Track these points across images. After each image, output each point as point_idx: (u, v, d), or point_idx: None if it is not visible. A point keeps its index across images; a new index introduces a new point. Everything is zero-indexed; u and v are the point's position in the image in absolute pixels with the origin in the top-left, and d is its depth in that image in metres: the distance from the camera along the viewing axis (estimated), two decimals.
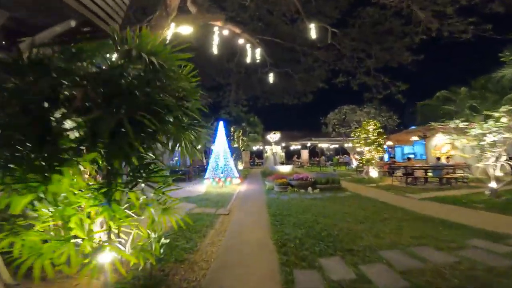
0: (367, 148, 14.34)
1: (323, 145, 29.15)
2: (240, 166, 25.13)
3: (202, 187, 12.48)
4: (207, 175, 12.52)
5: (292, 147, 34.93)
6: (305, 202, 8.32)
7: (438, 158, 11.65)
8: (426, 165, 13.02)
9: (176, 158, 25.30)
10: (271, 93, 24.68)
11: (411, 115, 20.81)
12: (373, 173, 14.51)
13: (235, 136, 24.74)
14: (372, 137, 14.13)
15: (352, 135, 23.69)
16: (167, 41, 4.84)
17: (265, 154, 29.82)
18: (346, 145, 31.14)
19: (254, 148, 31.70)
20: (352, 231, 5.11)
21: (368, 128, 14.27)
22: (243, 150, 26.38)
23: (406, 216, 6.32)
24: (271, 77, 21.03)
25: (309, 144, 33.80)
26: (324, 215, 6.54)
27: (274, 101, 25.15)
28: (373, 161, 14.35)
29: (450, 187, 11.05)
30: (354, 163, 23.48)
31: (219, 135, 12.88)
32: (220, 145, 12.62)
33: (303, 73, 20.95)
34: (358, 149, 16.98)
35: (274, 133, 31.70)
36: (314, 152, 34.09)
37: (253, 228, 5.71)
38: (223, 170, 12.25)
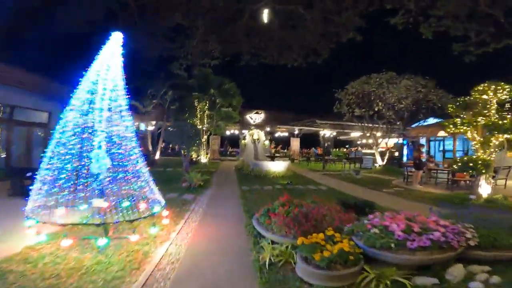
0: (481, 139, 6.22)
1: (324, 132, 21.10)
2: (204, 158, 16.17)
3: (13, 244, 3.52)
4: (31, 202, 3.43)
5: (278, 134, 26.57)
6: None
7: None
8: None
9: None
10: (262, 47, 15.66)
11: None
12: (485, 187, 6.55)
13: (198, 110, 15.59)
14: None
15: (375, 118, 15.88)
16: None
17: (242, 141, 21.04)
18: (353, 134, 23.51)
19: (228, 132, 22.78)
20: None
21: (494, 96, 6.10)
22: (210, 133, 17.39)
23: None
24: (266, 16, 12.28)
25: (296, 131, 25.66)
26: None
27: (265, 60, 16.20)
28: (487, 166, 6.30)
29: None
30: (379, 161, 15.69)
31: (98, 68, 3.76)
32: (101, 100, 3.51)
33: (321, 14, 12.33)
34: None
35: (257, 113, 23.02)
36: (306, 142, 26.05)
37: None
38: (104, 189, 3.27)
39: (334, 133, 26.30)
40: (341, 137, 29.37)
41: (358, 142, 32.50)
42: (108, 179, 3.38)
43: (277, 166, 12.19)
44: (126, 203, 3.40)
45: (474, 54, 9.11)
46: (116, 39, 4.07)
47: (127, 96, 3.81)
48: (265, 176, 11.38)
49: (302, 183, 10.12)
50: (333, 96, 16.07)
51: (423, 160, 10.00)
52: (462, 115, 6.93)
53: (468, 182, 9.71)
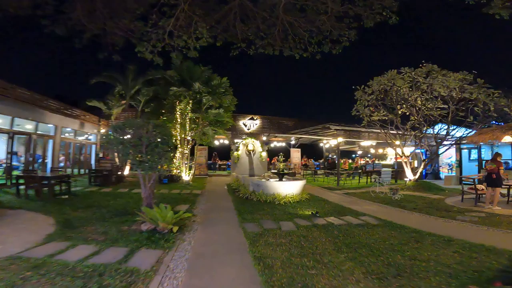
0: None
1: (327, 141, 17.88)
2: (186, 175, 12.39)
3: None
4: None
5: (273, 144, 23.17)
6: None
7: None
8: None
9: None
10: (264, 33, 12.18)
11: None
12: None
13: (178, 113, 11.97)
14: None
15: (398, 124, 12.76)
16: None
17: (235, 153, 17.43)
18: (364, 143, 20.44)
19: (216, 142, 19.13)
20: None
21: None
22: (195, 143, 13.70)
23: None
24: None
25: (293, 141, 22.37)
26: None
27: (264, 51, 12.87)
28: None
29: None
30: (410, 175, 12.46)
31: None
32: None
33: None
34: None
35: (252, 118, 19.59)
36: (303, 153, 22.67)
37: None
38: None
39: (337, 142, 23.22)
40: (342, 147, 26.35)
41: (358, 153, 29.69)
42: None
43: (289, 188, 8.67)
44: None
45: None
46: None
47: None
48: (273, 202, 7.83)
49: (332, 213, 6.66)
50: (340, 99, 12.98)
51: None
52: None
53: None
